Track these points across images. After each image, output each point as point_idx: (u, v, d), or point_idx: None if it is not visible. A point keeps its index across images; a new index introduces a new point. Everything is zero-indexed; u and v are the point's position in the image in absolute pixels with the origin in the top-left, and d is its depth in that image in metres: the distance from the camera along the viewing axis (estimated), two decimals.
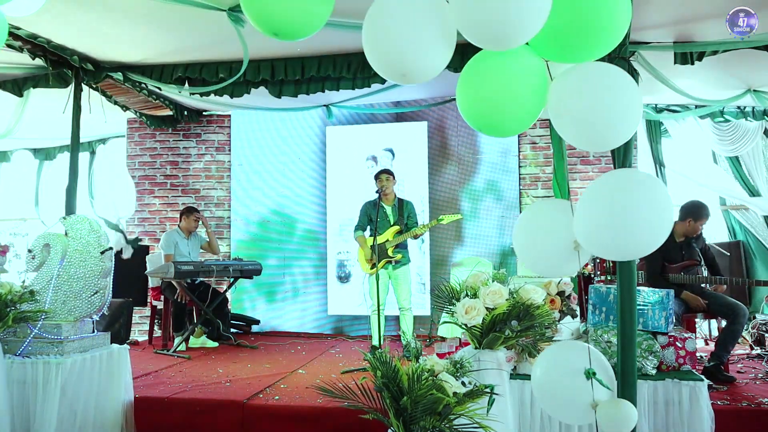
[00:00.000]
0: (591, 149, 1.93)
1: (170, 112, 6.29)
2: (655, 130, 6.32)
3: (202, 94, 5.08)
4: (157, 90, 5.50)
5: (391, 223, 4.99)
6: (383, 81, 4.87)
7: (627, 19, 1.76)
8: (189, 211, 5.89)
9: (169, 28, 4.24)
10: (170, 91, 5.38)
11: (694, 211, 4.21)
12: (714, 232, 6.31)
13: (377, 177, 4.99)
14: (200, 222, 5.97)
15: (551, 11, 1.66)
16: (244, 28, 3.92)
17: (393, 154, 6.40)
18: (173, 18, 4.05)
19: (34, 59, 4.43)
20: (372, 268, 4.96)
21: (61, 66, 4.63)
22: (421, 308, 6.11)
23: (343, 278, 6.46)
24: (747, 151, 6.02)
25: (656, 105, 6.06)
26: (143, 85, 5.14)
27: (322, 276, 6.54)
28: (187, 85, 5.03)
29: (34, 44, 4.27)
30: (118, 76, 4.90)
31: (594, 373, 1.85)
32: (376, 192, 4.85)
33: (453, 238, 6.33)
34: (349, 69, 4.65)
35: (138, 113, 6.30)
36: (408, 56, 1.77)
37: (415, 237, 4.98)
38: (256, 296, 6.70)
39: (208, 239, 6.10)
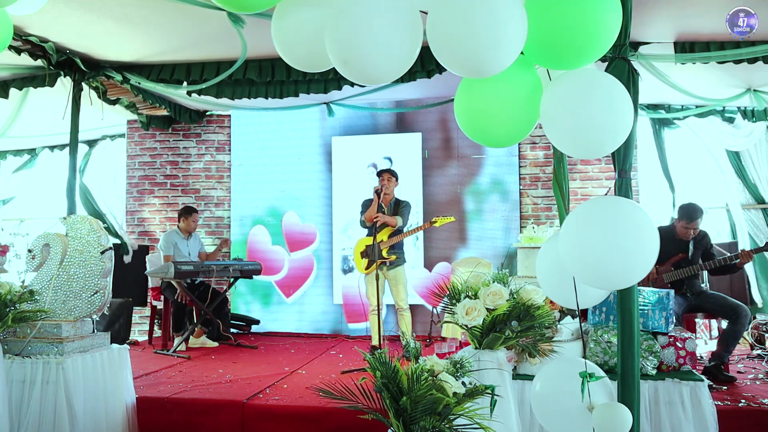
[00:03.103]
0: (583, 156, 1.93)
1: (167, 112, 6.27)
2: (659, 129, 6.31)
3: (200, 93, 5.07)
4: (154, 91, 5.49)
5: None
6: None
7: (618, 22, 1.76)
8: (187, 212, 5.89)
9: (170, 27, 4.23)
10: (169, 92, 5.37)
11: (681, 212, 4.24)
12: (718, 232, 6.30)
13: (379, 175, 4.99)
14: (198, 222, 5.99)
15: (539, 19, 1.66)
16: (244, 28, 3.92)
17: (391, 162, 6.48)
18: (174, 18, 4.05)
19: (36, 60, 4.43)
20: (367, 268, 4.95)
21: (59, 66, 4.62)
22: (415, 298, 6.15)
23: (347, 271, 6.52)
24: (750, 147, 6.00)
25: (656, 104, 6.05)
26: (139, 85, 5.13)
27: (326, 270, 6.59)
28: (185, 84, 5.03)
29: (33, 44, 4.26)
30: (118, 76, 4.89)
31: (591, 375, 1.85)
32: (375, 191, 4.85)
33: (456, 238, 6.33)
34: None
35: (137, 113, 6.28)
36: (360, 45, 1.69)
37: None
38: (256, 297, 6.70)
39: (206, 251, 6.11)
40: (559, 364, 2.06)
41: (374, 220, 4.76)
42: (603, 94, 1.73)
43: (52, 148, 7.27)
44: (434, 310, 5.80)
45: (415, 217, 6.00)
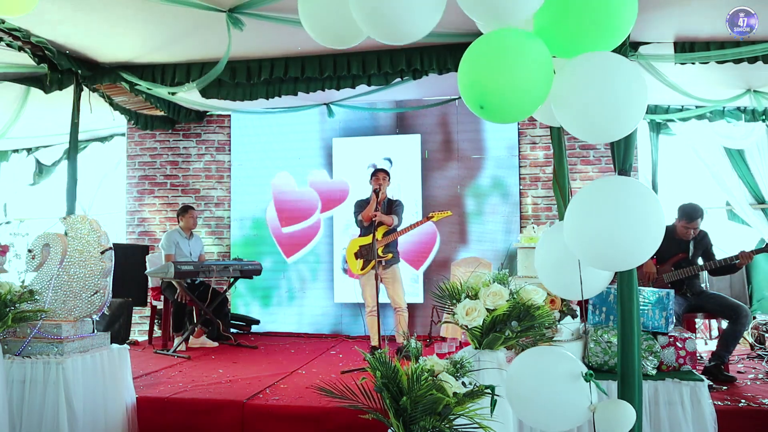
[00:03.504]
0: (594, 140, 1.90)
1: (164, 113, 6.26)
2: (656, 130, 6.32)
3: (205, 96, 5.07)
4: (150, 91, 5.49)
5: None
6: (385, 81, 4.86)
7: (633, 14, 1.74)
8: (184, 210, 5.91)
9: (169, 28, 4.23)
10: (164, 94, 5.36)
11: (681, 212, 4.25)
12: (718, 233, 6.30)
13: (374, 175, 5.00)
14: (197, 218, 6.05)
15: (557, 5, 1.64)
16: (242, 31, 3.91)
17: (391, 162, 6.51)
18: (173, 18, 4.05)
19: (39, 64, 4.43)
20: (363, 269, 4.95)
21: (60, 67, 4.62)
22: (414, 296, 6.17)
23: (348, 270, 6.52)
24: (750, 145, 5.99)
25: (656, 105, 6.06)
26: (138, 86, 5.13)
27: (327, 269, 6.60)
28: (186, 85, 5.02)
29: (33, 45, 4.26)
30: (119, 80, 4.89)
31: (592, 375, 1.85)
32: (374, 191, 4.85)
33: (456, 239, 6.34)
34: (349, 69, 4.65)
35: (135, 114, 6.27)
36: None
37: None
38: (256, 296, 6.70)
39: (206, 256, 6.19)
40: (531, 352, 2.04)
41: (372, 219, 4.77)
42: (624, 74, 1.70)
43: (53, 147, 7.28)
44: (417, 272, 5.83)
45: (415, 219, 6.00)
